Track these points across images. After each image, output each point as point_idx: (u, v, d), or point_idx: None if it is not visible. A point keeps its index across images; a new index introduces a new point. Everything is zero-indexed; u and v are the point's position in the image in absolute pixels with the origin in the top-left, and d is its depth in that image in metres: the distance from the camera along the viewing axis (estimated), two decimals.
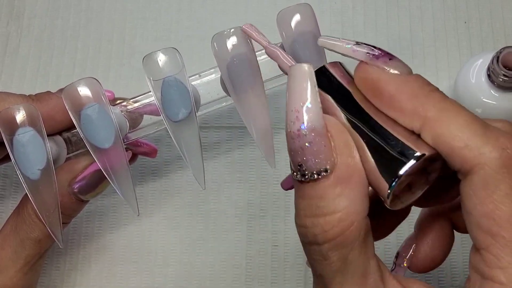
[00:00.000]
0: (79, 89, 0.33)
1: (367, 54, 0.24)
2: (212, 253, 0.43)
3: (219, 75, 0.36)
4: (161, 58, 0.34)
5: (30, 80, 0.48)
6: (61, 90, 0.36)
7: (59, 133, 0.35)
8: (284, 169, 0.44)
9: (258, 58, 0.34)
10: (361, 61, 0.25)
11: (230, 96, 0.35)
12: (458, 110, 0.23)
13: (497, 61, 0.38)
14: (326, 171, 0.23)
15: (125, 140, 0.36)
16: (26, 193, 0.34)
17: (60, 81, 0.47)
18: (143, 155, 0.40)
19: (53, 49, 0.49)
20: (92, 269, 0.43)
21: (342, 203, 0.23)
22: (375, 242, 0.25)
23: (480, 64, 0.40)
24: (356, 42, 0.25)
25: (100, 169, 0.33)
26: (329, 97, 0.25)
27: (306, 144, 0.23)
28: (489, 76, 0.39)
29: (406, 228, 0.33)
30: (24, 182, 0.32)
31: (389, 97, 0.24)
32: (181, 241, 0.44)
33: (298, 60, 0.34)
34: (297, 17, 0.34)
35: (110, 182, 0.34)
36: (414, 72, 0.24)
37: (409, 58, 0.47)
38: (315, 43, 0.34)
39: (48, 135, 0.33)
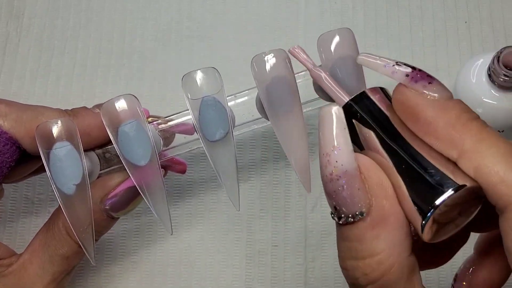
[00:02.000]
0: (117, 105, 0.33)
1: (406, 77, 0.24)
2: (212, 253, 0.43)
3: (251, 97, 0.36)
4: (200, 77, 0.34)
5: (30, 80, 0.48)
6: (96, 106, 0.35)
7: (92, 149, 0.35)
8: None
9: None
10: (400, 83, 0.24)
11: (266, 118, 0.35)
12: (495, 142, 0.22)
13: (498, 61, 0.38)
14: (362, 214, 0.22)
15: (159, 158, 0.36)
16: (57, 208, 0.34)
17: (60, 81, 0.47)
18: (174, 171, 0.40)
19: (53, 49, 0.48)
20: (91, 269, 0.43)
21: (380, 245, 0.22)
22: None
23: (481, 64, 0.40)
24: (396, 62, 0.24)
25: (133, 187, 0.33)
26: (367, 129, 0.25)
27: (339, 187, 0.22)
28: (489, 76, 0.39)
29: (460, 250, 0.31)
30: (59, 197, 0.32)
31: (426, 123, 0.23)
32: (181, 241, 0.44)
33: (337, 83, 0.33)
34: (337, 41, 0.33)
35: (145, 199, 0.33)
36: None
37: (409, 58, 0.47)
38: (354, 67, 0.33)
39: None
